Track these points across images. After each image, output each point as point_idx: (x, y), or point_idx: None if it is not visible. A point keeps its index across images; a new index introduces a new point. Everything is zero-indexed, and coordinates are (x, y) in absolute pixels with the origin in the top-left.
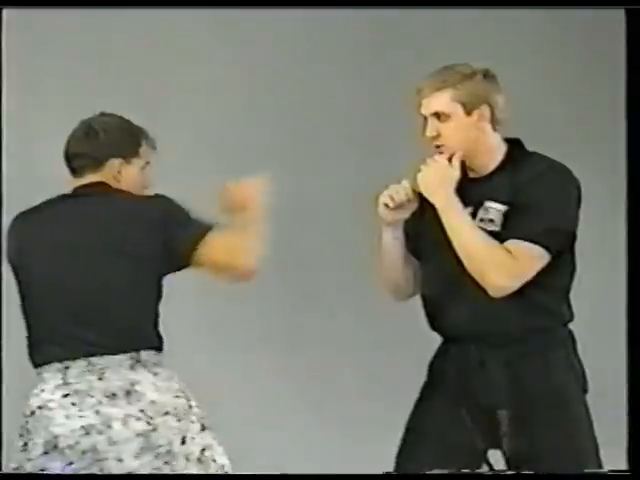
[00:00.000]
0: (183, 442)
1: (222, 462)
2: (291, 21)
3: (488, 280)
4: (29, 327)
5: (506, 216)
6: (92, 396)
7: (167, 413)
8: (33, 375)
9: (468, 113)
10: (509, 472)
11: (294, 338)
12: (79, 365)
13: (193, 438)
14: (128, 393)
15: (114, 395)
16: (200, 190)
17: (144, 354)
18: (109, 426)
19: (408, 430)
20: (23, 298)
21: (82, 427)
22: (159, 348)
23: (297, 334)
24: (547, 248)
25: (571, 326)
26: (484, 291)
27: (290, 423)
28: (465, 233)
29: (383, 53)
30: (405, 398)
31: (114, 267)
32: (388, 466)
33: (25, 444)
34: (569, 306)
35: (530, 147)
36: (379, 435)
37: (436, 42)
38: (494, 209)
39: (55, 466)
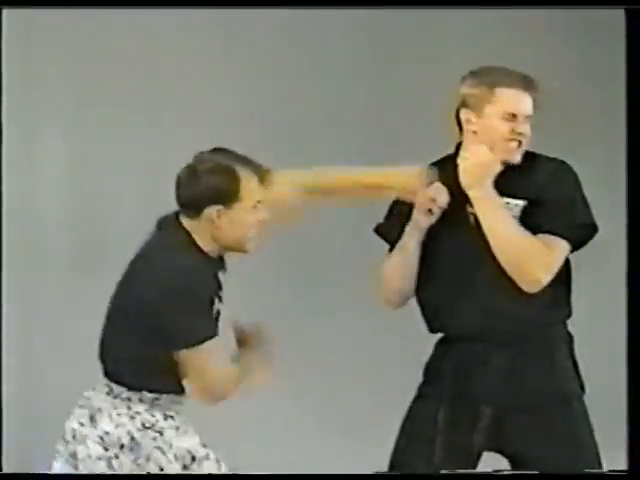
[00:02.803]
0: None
1: None
2: (291, 21)
3: (527, 274)
4: None
5: (524, 212)
6: (82, 406)
7: (122, 447)
8: (33, 375)
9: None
10: (509, 472)
11: (293, 339)
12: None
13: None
14: (92, 417)
15: (82, 415)
16: None
17: (117, 389)
18: (78, 440)
19: (403, 429)
20: None
21: (73, 429)
22: (138, 387)
23: (296, 335)
24: (572, 242)
25: (571, 326)
26: (492, 290)
27: (289, 425)
28: (505, 225)
29: (383, 53)
30: (405, 398)
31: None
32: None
33: None
34: (569, 303)
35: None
36: (379, 435)
37: (436, 42)
38: (514, 205)
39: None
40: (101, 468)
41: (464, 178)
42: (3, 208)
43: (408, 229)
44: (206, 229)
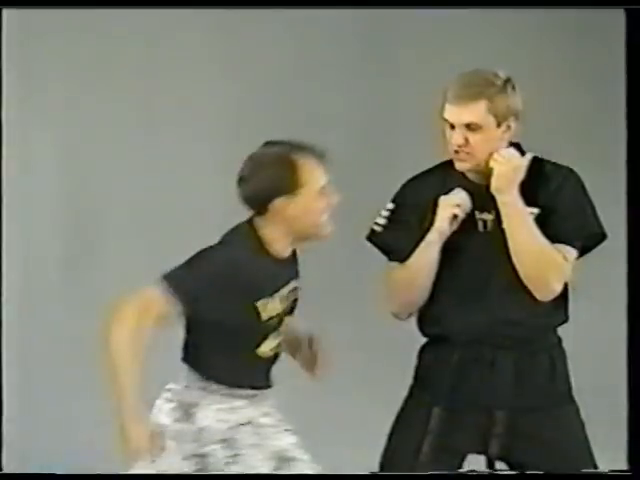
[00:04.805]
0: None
1: None
2: (291, 21)
3: (547, 283)
4: None
5: (536, 220)
6: (170, 400)
7: (221, 442)
8: (33, 374)
9: (498, 125)
10: (509, 472)
11: None
12: (182, 369)
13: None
14: (186, 411)
15: (174, 410)
16: (199, 190)
17: (215, 386)
18: (169, 436)
19: (395, 431)
20: None
21: (164, 425)
22: (233, 384)
23: None
24: (582, 250)
25: (572, 326)
26: (497, 295)
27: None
28: (529, 233)
29: (382, 53)
30: (397, 399)
31: None
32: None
33: None
34: (567, 308)
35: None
36: (377, 436)
37: (435, 42)
38: (529, 212)
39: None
40: (190, 466)
41: (497, 182)
42: (3, 209)
43: (429, 238)
44: (277, 223)
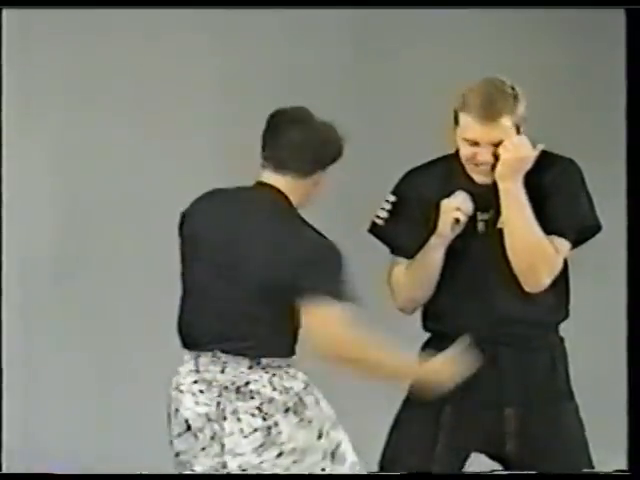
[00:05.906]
0: (319, 437)
1: (353, 459)
2: (290, 21)
3: (537, 275)
4: (181, 304)
5: (533, 211)
6: (214, 386)
7: (287, 410)
8: (33, 376)
9: (517, 134)
10: (508, 473)
11: None
12: (207, 355)
13: (328, 433)
14: (238, 389)
15: (227, 389)
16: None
17: (265, 360)
18: (224, 417)
19: (396, 429)
20: (183, 274)
21: (206, 414)
22: (285, 354)
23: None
24: (575, 243)
25: (572, 326)
26: (499, 294)
27: None
28: (526, 224)
29: (382, 53)
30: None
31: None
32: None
33: (169, 419)
34: (568, 306)
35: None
36: (377, 435)
37: (435, 42)
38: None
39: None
40: (258, 440)
41: (502, 169)
42: (3, 207)
43: (432, 241)
44: (307, 190)
